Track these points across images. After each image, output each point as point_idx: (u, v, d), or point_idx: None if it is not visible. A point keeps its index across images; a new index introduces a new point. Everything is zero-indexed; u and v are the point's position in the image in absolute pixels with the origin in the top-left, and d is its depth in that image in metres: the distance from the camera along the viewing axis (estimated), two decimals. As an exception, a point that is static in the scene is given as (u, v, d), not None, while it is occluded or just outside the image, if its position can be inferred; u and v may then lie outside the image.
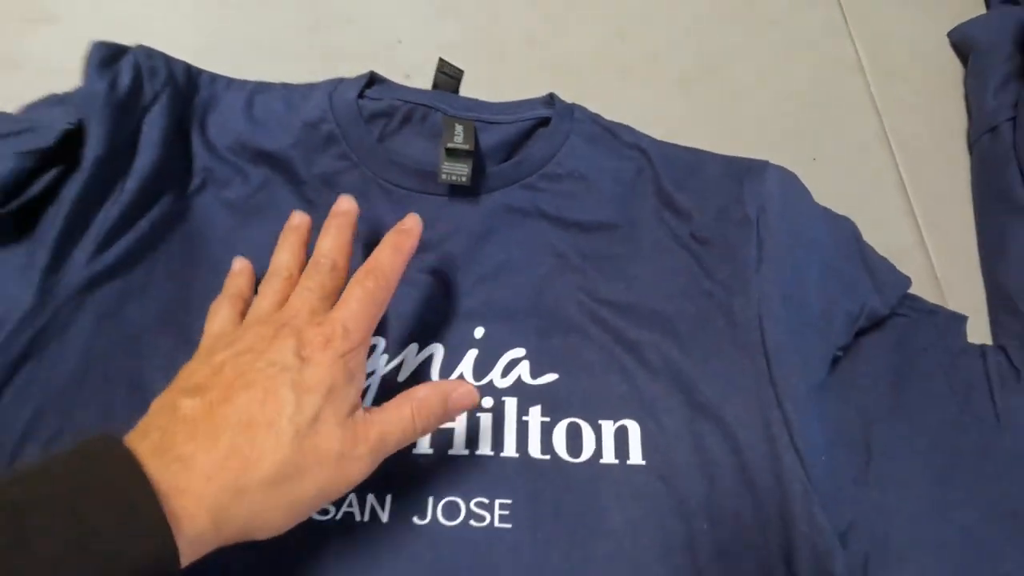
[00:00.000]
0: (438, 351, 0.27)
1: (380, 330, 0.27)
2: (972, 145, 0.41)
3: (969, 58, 0.45)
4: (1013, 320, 0.33)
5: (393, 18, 0.40)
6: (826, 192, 0.33)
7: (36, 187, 0.23)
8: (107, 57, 0.24)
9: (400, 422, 0.20)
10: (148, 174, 0.25)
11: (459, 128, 0.27)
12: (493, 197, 0.29)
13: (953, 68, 0.46)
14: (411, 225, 0.24)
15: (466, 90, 0.31)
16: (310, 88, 0.29)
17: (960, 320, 0.29)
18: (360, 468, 0.19)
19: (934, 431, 0.24)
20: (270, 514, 0.17)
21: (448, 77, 0.29)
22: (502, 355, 0.27)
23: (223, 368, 0.19)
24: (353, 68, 0.30)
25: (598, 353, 0.27)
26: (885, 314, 0.26)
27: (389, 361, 0.26)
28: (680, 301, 0.27)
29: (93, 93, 0.23)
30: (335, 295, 0.22)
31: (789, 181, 0.29)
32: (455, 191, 0.29)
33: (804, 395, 0.23)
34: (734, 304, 0.26)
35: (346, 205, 0.25)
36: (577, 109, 0.31)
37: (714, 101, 0.41)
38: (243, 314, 0.23)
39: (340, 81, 0.29)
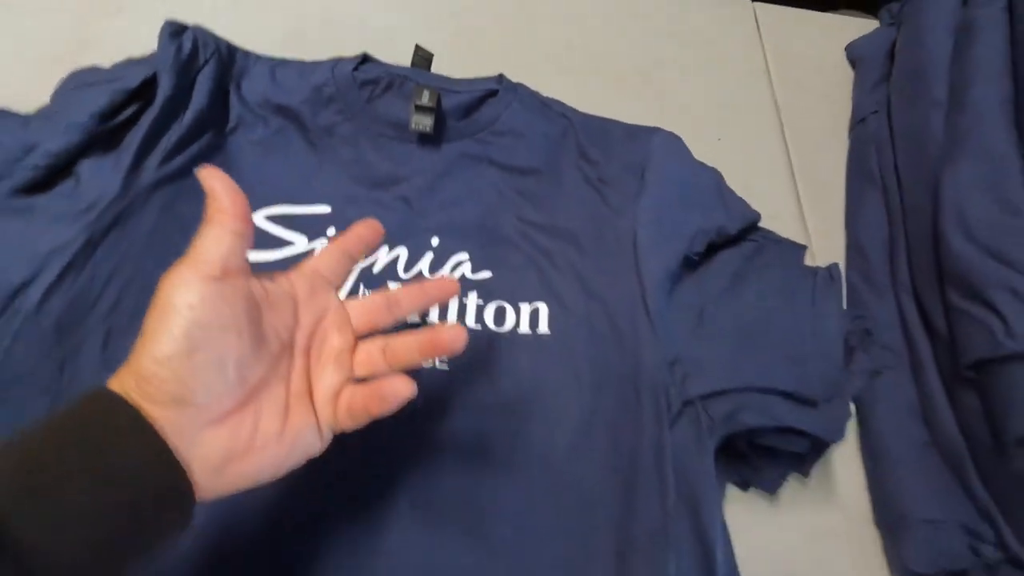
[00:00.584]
0: (403, 252, 0.36)
1: (361, 236, 0.36)
2: (850, 133, 0.51)
3: (856, 67, 0.55)
4: (859, 258, 0.43)
5: (387, 22, 0.51)
6: (727, 165, 0.42)
7: (123, 115, 0.32)
8: (175, 30, 0.34)
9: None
10: (199, 113, 0.34)
11: (426, 93, 0.37)
12: (452, 146, 0.39)
13: (847, 78, 0.56)
14: None
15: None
16: (318, 63, 0.39)
17: (801, 248, 0.38)
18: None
19: (756, 311, 0.33)
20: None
21: (422, 58, 0.39)
22: (450, 257, 0.36)
23: None
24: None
25: (522, 258, 0.36)
26: (734, 233, 0.36)
27: (367, 257, 0.36)
28: (585, 223, 0.36)
29: (165, 54, 0.33)
30: None
31: (672, 140, 0.39)
32: (423, 140, 0.38)
33: (658, 279, 0.32)
34: (619, 222, 0.35)
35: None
36: (520, 87, 0.41)
37: (643, 97, 0.51)
38: None
39: (340, 59, 0.39)
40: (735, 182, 0.42)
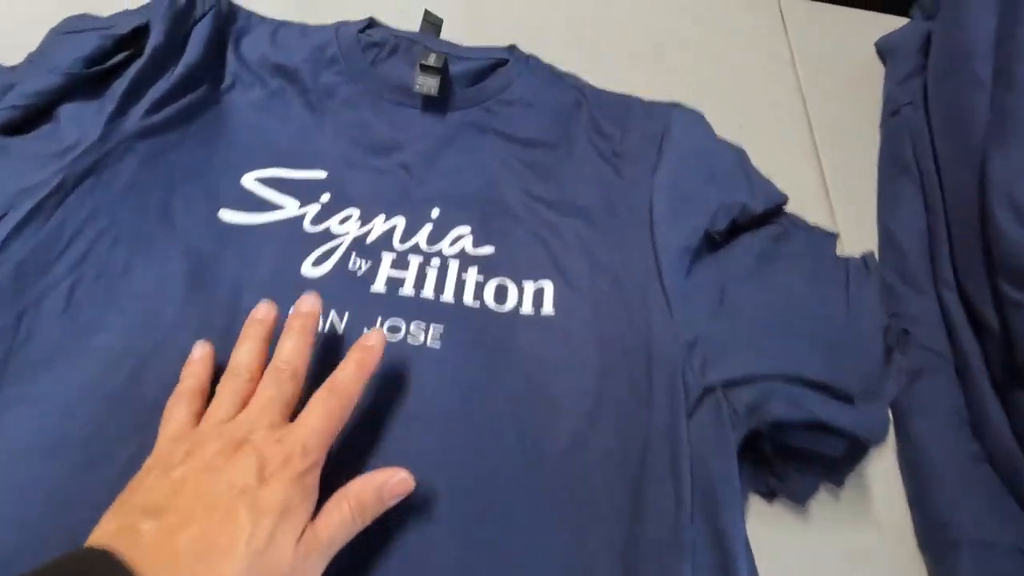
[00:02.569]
0: (400, 222, 0.33)
1: (355, 202, 0.34)
2: (881, 126, 0.48)
3: (886, 61, 0.52)
4: (895, 254, 0.39)
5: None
6: (749, 153, 0.39)
7: (111, 62, 0.31)
8: None
9: (343, 523, 0.21)
10: (192, 66, 0.32)
11: (433, 54, 0.35)
12: (457, 115, 0.36)
13: (877, 72, 0.54)
14: (374, 342, 0.25)
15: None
16: (322, 26, 0.38)
17: (831, 235, 0.35)
18: (312, 574, 0.20)
19: (784, 294, 0.30)
20: None
21: (431, 23, 0.37)
22: (451, 230, 0.33)
23: (183, 487, 0.19)
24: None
25: (527, 233, 0.33)
26: (758, 213, 0.33)
27: (362, 226, 0.33)
28: (596, 197, 0.34)
29: (159, 3, 0.32)
30: (294, 403, 0.23)
31: (693, 115, 0.36)
32: (427, 106, 0.36)
33: (675, 253, 0.29)
34: (634, 194, 0.32)
35: (307, 306, 0.25)
36: (532, 57, 0.39)
37: (657, 76, 0.49)
38: (199, 414, 0.23)
39: (345, 22, 0.38)
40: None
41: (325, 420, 0.22)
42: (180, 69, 0.32)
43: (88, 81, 0.30)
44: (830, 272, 0.32)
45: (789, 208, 0.36)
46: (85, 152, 0.28)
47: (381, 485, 0.22)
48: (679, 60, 0.50)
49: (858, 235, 0.42)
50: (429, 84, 0.34)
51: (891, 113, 0.47)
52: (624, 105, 0.37)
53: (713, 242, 0.32)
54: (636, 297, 0.29)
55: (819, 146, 0.47)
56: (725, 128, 0.39)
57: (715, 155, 0.34)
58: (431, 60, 0.34)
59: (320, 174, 0.34)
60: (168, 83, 0.31)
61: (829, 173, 0.46)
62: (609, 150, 0.36)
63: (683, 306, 0.28)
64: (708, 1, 0.55)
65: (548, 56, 0.41)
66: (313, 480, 0.21)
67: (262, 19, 0.38)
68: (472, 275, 0.32)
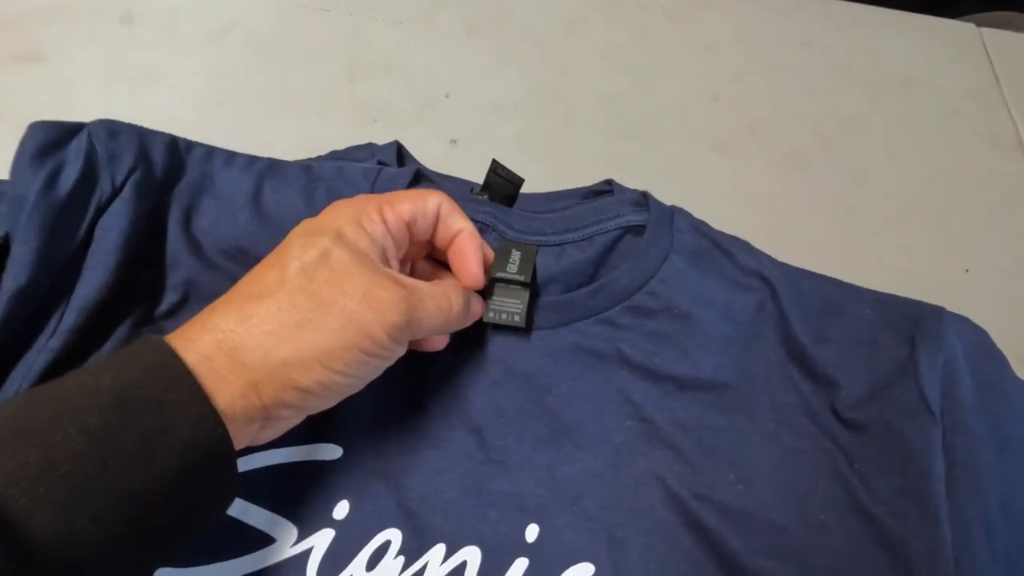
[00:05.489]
0: (472, 558, 0.19)
1: (395, 518, 0.19)
2: None
3: None
4: None
5: (440, 67, 0.33)
6: (985, 323, 0.24)
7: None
8: (49, 143, 0.18)
9: (439, 295, 0.18)
10: (96, 301, 0.18)
11: (515, 254, 0.19)
12: (560, 334, 0.21)
13: None
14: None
15: (525, 160, 0.24)
16: (338, 174, 0.22)
17: None
18: (395, 312, 0.16)
19: None
20: (303, 368, 0.15)
21: (503, 180, 0.21)
22: (562, 573, 0.19)
23: None
24: (390, 127, 0.25)
25: (697, 579, 0.19)
26: None
27: (405, 568, 0.19)
28: (820, 518, 0.19)
29: (21, 196, 0.17)
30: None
31: (983, 348, 0.20)
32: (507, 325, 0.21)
33: None
34: (912, 551, 0.17)
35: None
36: (678, 215, 0.23)
37: (831, 185, 0.33)
38: None
39: (378, 173, 0.22)
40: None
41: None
42: (72, 316, 0.17)
43: None
44: None
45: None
46: None
47: (469, 296, 0.20)
48: (856, 158, 0.34)
49: None
50: (510, 308, 0.19)
51: None
52: (840, 308, 0.22)
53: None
54: None
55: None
56: (947, 283, 0.28)
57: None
58: (512, 269, 0.19)
59: (332, 452, 0.20)
60: (47, 351, 0.17)
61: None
62: (826, 406, 0.20)
63: None
64: (886, 65, 0.38)
65: (674, 161, 0.29)
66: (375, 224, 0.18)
67: (231, 159, 0.22)
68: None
